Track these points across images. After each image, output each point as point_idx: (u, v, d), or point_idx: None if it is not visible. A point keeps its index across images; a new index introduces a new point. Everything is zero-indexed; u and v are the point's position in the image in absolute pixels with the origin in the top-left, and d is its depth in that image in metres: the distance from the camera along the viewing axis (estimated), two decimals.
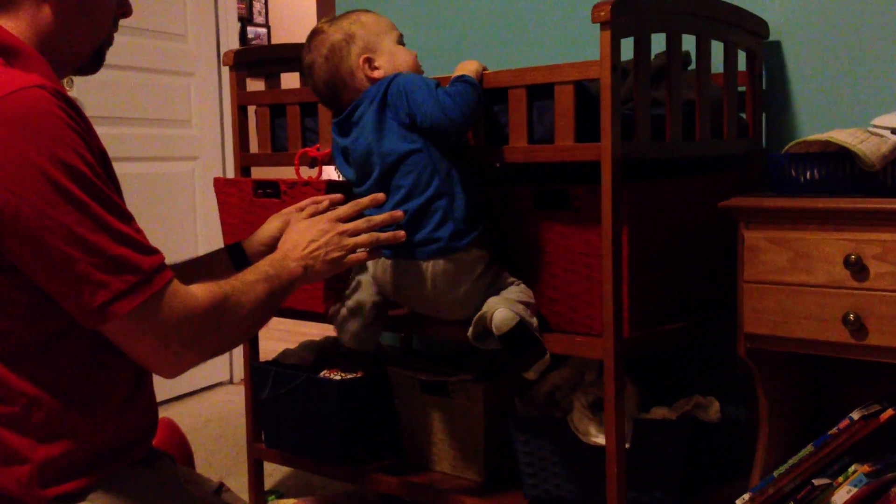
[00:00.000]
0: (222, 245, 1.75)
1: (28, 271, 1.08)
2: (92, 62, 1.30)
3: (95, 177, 1.09)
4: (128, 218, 1.12)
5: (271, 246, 1.56)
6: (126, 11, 1.31)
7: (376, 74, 1.69)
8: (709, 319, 1.82)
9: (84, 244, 1.06)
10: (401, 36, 1.75)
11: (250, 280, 1.28)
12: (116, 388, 1.20)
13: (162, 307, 1.12)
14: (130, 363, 1.20)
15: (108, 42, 1.31)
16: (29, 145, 1.04)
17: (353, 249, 1.48)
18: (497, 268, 1.71)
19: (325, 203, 1.58)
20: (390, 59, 1.70)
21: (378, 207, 1.63)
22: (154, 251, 1.13)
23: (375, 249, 1.57)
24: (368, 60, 1.69)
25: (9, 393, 1.12)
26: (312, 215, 1.55)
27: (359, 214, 1.56)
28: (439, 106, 1.60)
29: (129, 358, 1.17)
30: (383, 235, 1.55)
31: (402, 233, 1.58)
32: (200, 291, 1.18)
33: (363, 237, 1.50)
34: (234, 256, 1.59)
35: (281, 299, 1.34)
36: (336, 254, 1.46)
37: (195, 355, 1.18)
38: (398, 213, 1.59)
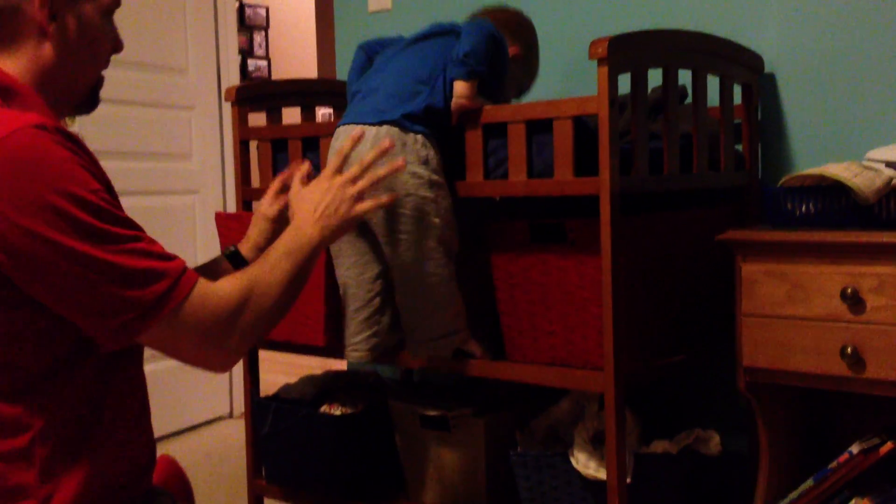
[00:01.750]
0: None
1: (53, 305, 1.10)
2: (88, 100, 1.31)
3: (103, 201, 1.11)
4: (141, 232, 1.15)
5: (264, 248, 1.56)
6: (118, 47, 1.32)
7: None
8: (708, 352, 1.83)
9: (106, 267, 1.08)
10: None
11: (272, 260, 1.30)
12: (121, 421, 1.21)
13: (193, 308, 1.15)
14: (134, 393, 1.21)
15: (101, 81, 1.32)
16: (34, 183, 1.06)
17: (359, 197, 1.48)
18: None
19: (307, 165, 1.59)
20: None
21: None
22: (173, 257, 1.16)
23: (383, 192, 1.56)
24: None
25: (15, 427, 1.13)
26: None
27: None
28: None
29: (139, 377, 1.18)
30: (381, 171, 1.53)
31: (399, 161, 1.56)
32: (227, 284, 1.21)
33: (363, 182, 1.49)
34: (233, 261, 1.61)
35: (308, 270, 1.35)
36: (345, 206, 1.45)
37: (238, 346, 1.21)
38: (385, 143, 1.56)
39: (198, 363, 1.21)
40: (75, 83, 1.26)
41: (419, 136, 1.71)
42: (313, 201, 1.44)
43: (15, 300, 1.10)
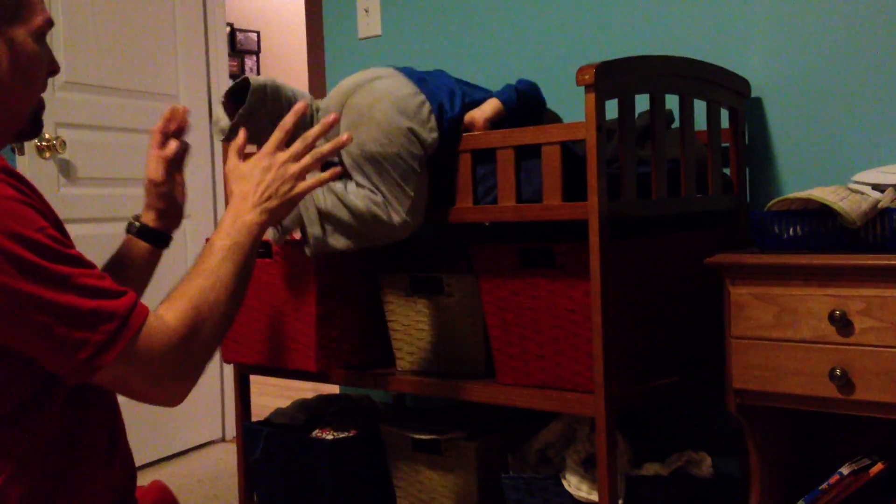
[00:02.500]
0: None
1: (9, 344, 1.08)
2: (30, 126, 1.27)
3: (51, 240, 1.09)
4: (90, 268, 1.11)
5: (167, 210, 1.52)
6: (54, 69, 1.29)
7: None
8: (699, 374, 1.83)
9: (56, 308, 1.06)
10: None
11: (211, 266, 1.23)
12: (95, 453, 1.19)
13: (144, 345, 1.11)
14: (105, 419, 1.19)
15: (42, 105, 1.29)
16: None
17: (301, 176, 1.39)
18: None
19: (241, 137, 1.48)
20: None
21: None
22: (123, 292, 1.12)
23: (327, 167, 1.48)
24: None
25: None
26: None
27: (292, 140, 1.44)
28: None
29: (109, 416, 1.17)
30: (325, 148, 1.42)
31: (346, 136, 1.47)
32: (170, 314, 1.16)
33: (306, 158, 1.39)
34: (143, 236, 1.52)
35: (252, 262, 1.29)
36: (287, 185, 1.36)
37: (194, 372, 1.17)
38: (331, 117, 1.46)
39: (154, 399, 1.16)
40: (14, 112, 1.22)
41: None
42: (252, 183, 1.34)
43: None
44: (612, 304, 1.59)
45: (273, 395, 3.68)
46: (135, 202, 3.17)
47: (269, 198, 1.34)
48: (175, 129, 1.56)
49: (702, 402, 2.03)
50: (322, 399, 2.26)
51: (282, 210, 1.35)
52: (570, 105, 2.20)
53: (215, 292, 1.20)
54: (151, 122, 3.26)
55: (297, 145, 1.39)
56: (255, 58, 6.30)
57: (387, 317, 1.99)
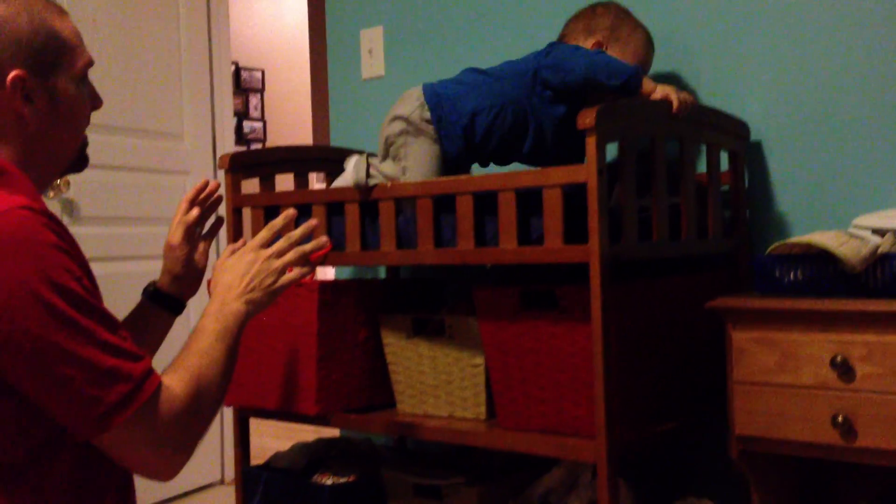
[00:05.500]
0: None
1: (24, 390, 1.09)
2: (78, 161, 1.33)
3: (83, 290, 1.11)
4: (115, 326, 1.14)
5: (183, 275, 1.59)
6: (97, 104, 1.34)
7: None
8: (701, 419, 1.82)
9: (76, 361, 1.08)
10: None
11: (205, 347, 1.28)
12: (104, 501, 1.19)
13: (153, 412, 1.13)
14: (116, 474, 1.20)
15: (86, 141, 1.34)
16: (18, 267, 1.06)
17: (283, 270, 1.45)
18: None
19: (241, 242, 1.57)
20: None
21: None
22: (141, 356, 1.15)
23: (307, 263, 1.54)
24: None
25: None
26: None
27: (278, 236, 1.53)
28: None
29: (119, 468, 1.17)
30: (307, 247, 1.51)
31: (324, 238, 1.55)
32: (176, 384, 1.19)
33: (290, 255, 1.47)
34: (156, 300, 1.59)
35: (237, 348, 1.34)
36: (270, 279, 1.43)
37: (188, 450, 1.20)
38: (312, 221, 1.55)
39: (144, 471, 1.17)
40: (62, 151, 1.28)
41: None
42: (238, 273, 1.42)
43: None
44: (614, 348, 1.58)
45: (273, 435, 3.66)
46: (139, 241, 3.23)
47: (253, 289, 1.40)
48: (202, 199, 1.62)
49: (705, 448, 2.01)
50: (322, 442, 2.25)
51: (264, 301, 1.42)
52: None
53: (212, 370, 1.25)
54: (156, 161, 3.32)
55: (282, 242, 1.47)
56: (259, 96, 6.35)
57: (388, 359, 1.98)
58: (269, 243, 1.48)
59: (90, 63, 1.30)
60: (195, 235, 1.61)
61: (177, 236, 1.59)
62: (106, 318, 1.13)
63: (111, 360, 1.10)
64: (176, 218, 1.61)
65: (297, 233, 1.50)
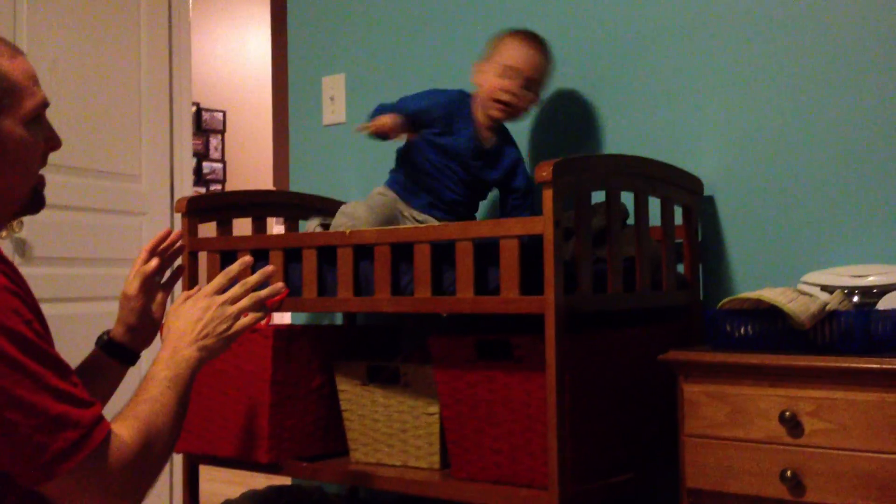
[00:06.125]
0: None
1: None
2: (32, 203, 1.30)
3: (33, 334, 1.09)
4: (66, 372, 1.12)
5: (138, 327, 1.56)
6: (55, 145, 1.32)
7: None
8: (655, 471, 1.83)
9: (22, 406, 1.06)
10: None
11: (156, 394, 1.26)
12: None
13: (101, 460, 1.12)
14: None
15: (42, 182, 1.32)
16: None
17: (238, 316, 1.44)
18: None
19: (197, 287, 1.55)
20: None
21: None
22: (91, 403, 1.13)
23: (262, 309, 1.53)
24: None
25: None
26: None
27: (233, 282, 1.52)
28: None
29: None
30: (263, 293, 1.50)
31: (280, 284, 1.55)
32: (125, 432, 1.17)
33: (244, 301, 1.45)
34: (109, 351, 1.56)
35: (189, 395, 1.33)
36: (224, 325, 1.41)
37: (142, 493, 1.18)
38: (269, 268, 1.55)
39: None
40: (11, 194, 1.25)
41: None
42: (191, 319, 1.40)
43: None
44: (568, 398, 1.59)
45: (224, 480, 3.60)
46: (93, 282, 3.18)
47: (207, 336, 1.39)
48: (163, 249, 1.60)
49: (658, 500, 2.02)
50: (273, 490, 2.22)
51: (218, 348, 1.41)
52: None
53: (162, 417, 1.23)
54: (112, 202, 3.29)
55: (237, 289, 1.46)
56: (220, 137, 6.34)
57: (342, 406, 1.97)
58: (223, 290, 1.47)
59: (44, 104, 1.27)
60: (153, 286, 1.59)
61: (134, 286, 1.56)
62: (56, 364, 1.11)
63: (59, 406, 1.09)
64: (134, 268, 1.58)
65: (253, 279, 1.49)
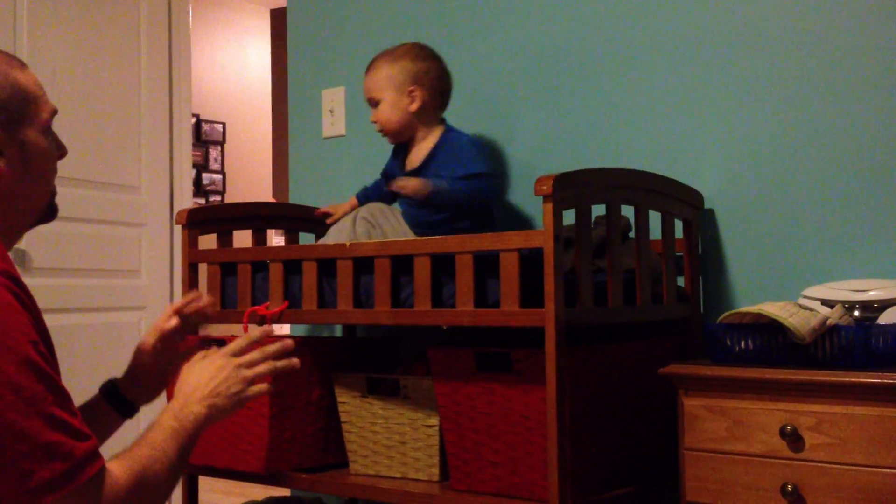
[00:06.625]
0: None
1: None
2: (49, 211, 1.33)
3: (39, 356, 1.07)
4: (65, 400, 1.10)
5: (144, 384, 1.55)
6: (63, 153, 1.34)
7: None
8: (656, 485, 1.83)
9: (12, 430, 1.04)
10: None
11: (159, 441, 1.26)
12: None
13: (90, 496, 1.09)
14: None
15: (55, 191, 1.35)
16: None
17: (252, 381, 1.44)
18: None
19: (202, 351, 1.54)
20: None
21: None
22: (87, 436, 1.11)
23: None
24: None
25: None
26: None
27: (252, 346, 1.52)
28: None
29: None
30: (279, 364, 1.50)
31: (296, 360, 1.53)
32: (119, 472, 1.16)
33: (261, 367, 1.46)
34: (110, 399, 1.55)
35: (191, 449, 1.33)
36: (237, 387, 1.41)
37: None
38: (289, 342, 1.54)
39: None
40: (33, 203, 1.28)
41: None
42: (205, 376, 1.40)
43: None
44: (568, 411, 1.59)
45: (222, 490, 3.59)
46: (88, 292, 3.18)
47: (218, 395, 1.39)
48: (187, 313, 1.59)
49: None
50: (272, 501, 2.21)
51: (227, 408, 1.41)
52: (527, 214, 2.24)
53: (159, 464, 1.23)
54: (111, 213, 3.30)
55: (255, 354, 1.46)
56: (219, 148, 6.35)
57: (341, 418, 1.97)
58: (242, 352, 1.47)
59: (54, 112, 1.31)
60: (169, 345, 1.58)
61: (149, 341, 1.57)
62: (56, 390, 1.09)
63: (52, 434, 1.06)
64: (155, 323, 1.58)
65: (272, 348, 1.49)
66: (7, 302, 1.07)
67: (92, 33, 3.20)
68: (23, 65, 1.29)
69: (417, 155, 2.10)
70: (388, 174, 2.17)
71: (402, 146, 2.16)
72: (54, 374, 1.11)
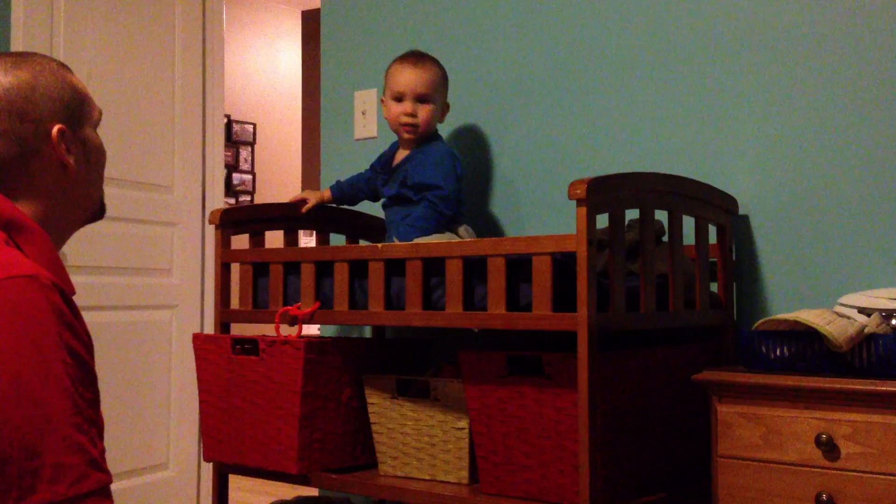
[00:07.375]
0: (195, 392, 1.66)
1: None
2: (100, 210, 1.37)
3: (79, 367, 1.05)
4: (89, 425, 1.04)
5: None
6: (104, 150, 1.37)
7: None
8: (687, 491, 1.81)
9: (24, 444, 0.99)
10: None
11: None
12: None
13: None
14: None
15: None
16: (9, 336, 1.02)
17: None
18: None
19: None
20: None
21: None
22: (102, 470, 1.04)
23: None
24: None
25: None
26: None
27: None
28: None
29: None
30: None
31: None
32: None
33: None
34: None
35: None
36: None
37: None
38: None
39: None
40: (90, 200, 1.32)
41: None
42: None
43: None
44: (600, 416, 1.58)
45: (250, 490, 3.61)
46: (120, 290, 3.21)
47: None
48: None
49: None
50: (301, 501, 2.22)
51: None
52: (562, 218, 2.23)
53: None
54: (144, 212, 3.33)
55: None
56: (250, 149, 6.38)
57: (371, 419, 1.97)
58: None
59: (101, 112, 1.36)
60: None
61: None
62: (82, 411, 1.04)
63: (67, 456, 1.00)
64: None
65: None
66: (45, 310, 1.05)
67: (127, 35, 3.23)
68: (69, 68, 1.34)
69: (402, 154, 2.19)
70: (376, 167, 2.25)
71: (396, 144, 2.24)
72: (85, 391, 1.06)
